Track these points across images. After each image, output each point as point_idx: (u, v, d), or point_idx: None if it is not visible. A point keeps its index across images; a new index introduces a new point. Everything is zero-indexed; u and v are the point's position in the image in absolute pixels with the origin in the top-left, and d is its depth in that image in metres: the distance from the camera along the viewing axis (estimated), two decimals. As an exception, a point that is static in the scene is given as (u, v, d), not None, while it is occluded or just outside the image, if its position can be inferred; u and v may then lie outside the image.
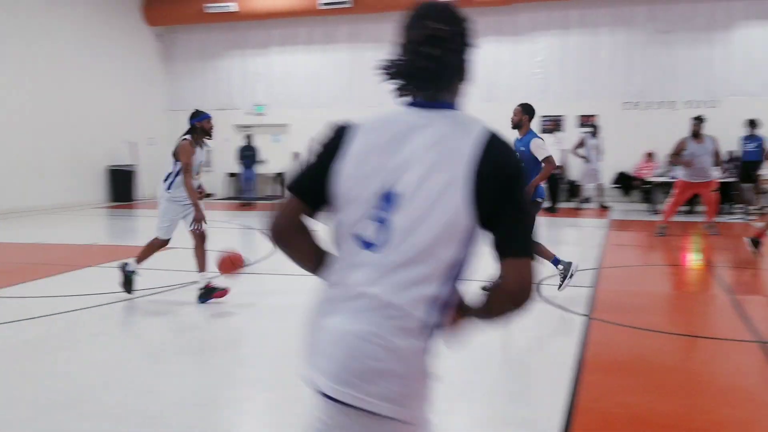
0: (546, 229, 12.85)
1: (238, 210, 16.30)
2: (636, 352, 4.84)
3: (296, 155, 17.15)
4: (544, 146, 6.36)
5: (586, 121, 17.19)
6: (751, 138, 13.55)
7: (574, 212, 14.98)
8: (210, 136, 6.30)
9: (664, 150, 15.53)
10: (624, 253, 9.85)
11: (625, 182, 15.56)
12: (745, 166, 13.62)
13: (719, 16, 16.24)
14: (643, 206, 15.15)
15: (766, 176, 13.98)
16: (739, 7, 16.07)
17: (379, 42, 18.58)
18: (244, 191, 17.56)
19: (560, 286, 6.33)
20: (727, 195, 13.90)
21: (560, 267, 6.31)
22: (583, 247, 9.75)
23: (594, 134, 15.25)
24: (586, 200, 15.72)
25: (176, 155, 6.18)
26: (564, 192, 16.32)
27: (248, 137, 17.54)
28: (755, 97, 15.71)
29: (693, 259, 9.72)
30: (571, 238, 11.83)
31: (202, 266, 6.21)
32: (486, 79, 17.54)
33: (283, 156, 17.94)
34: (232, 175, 18.99)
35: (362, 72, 18.78)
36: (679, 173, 10.93)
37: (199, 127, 6.17)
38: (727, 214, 13.76)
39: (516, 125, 6.47)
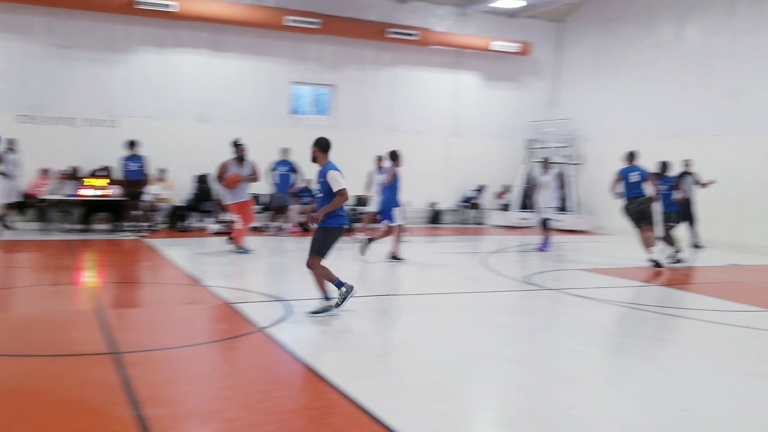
0: None
1: None
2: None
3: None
4: (340, 179, 6.58)
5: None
6: (133, 158, 14.00)
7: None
8: None
9: (60, 167, 15.15)
10: (5, 276, 9.19)
11: (21, 200, 14.54)
12: (129, 185, 14.02)
13: (119, 38, 16.72)
14: (39, 225, 14.46)
15: (150, 195, 14.73)
16: (137, 33, 16.83)
17: None
18: None
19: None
20: (120, 213, 14.26)
21: (343, 289, 6.73)
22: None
23: (13, 149, 14.17)
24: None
25: None
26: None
27: None
28: (153, 119, 16.71)
29: (83, 277, 9.58)
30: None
31: None
32: None
33: None
34: None
35: None
36: (227, 198, 11.55)
37: None
38: (120, 231, 14.12)
39: (313, 159, 6.84)
